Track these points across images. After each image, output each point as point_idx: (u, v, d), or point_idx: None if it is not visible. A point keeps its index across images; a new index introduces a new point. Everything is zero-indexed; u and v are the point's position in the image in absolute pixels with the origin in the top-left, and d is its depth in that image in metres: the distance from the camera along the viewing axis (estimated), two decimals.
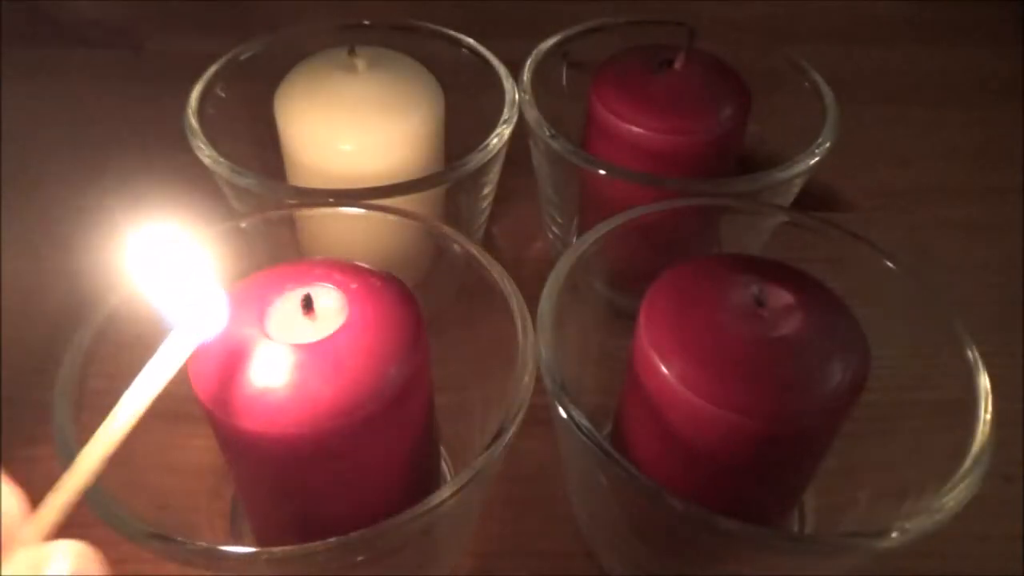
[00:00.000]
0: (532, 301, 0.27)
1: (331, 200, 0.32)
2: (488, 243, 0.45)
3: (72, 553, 0.15)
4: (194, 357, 0.23)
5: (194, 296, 0.21)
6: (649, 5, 0.44)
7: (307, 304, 0.24)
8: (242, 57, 0.40)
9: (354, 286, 0.25)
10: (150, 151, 0.49)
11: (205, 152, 0.34)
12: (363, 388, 0.22)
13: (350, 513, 0.24)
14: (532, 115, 0.38)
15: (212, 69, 0.39)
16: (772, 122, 0.40)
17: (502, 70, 0.40)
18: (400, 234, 0.32)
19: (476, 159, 0.35)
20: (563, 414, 0.25)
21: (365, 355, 0.23)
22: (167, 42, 0.60)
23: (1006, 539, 0.33)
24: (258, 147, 0.38)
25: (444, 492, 0.22)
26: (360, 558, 0.22)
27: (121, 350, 0.26)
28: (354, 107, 0.36)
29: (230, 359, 0.23)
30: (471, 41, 0.42)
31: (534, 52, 0.41)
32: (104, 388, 0.25)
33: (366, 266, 0.26)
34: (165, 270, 0.20)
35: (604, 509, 0.30)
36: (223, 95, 0.38)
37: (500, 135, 0.36)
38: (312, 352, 0.22)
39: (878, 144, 0.53)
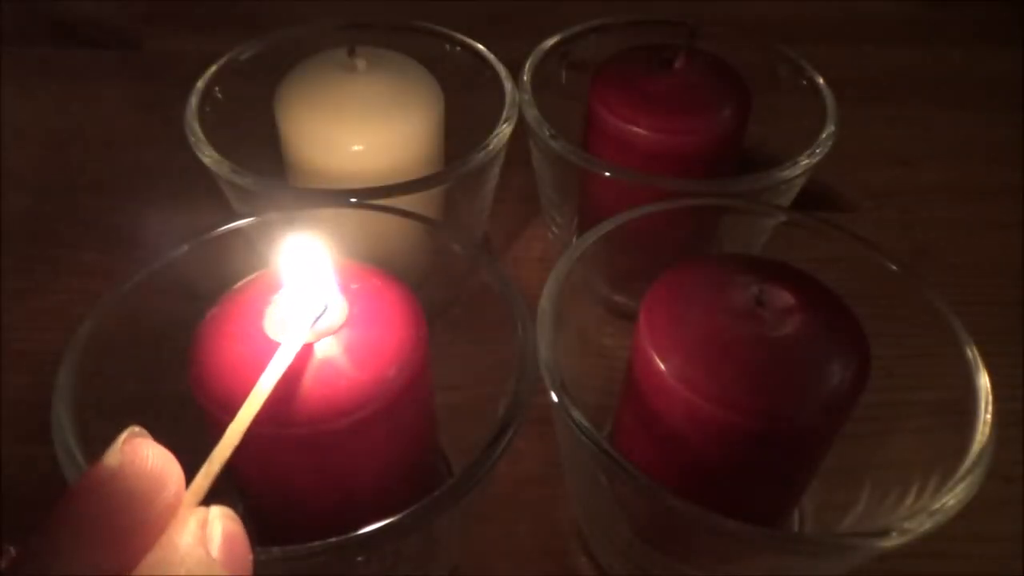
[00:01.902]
0: (532, 301, 0.27)
1: (331, 200, 0.32)
2: (488, 243, 0.45)
3: (224, 515, 0.17)
4: (194, 358, 0.23)
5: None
6: (649, 5, 0.44)
7: (307, 304, 0.24)
8: (242, 57, 0.40)
9: (354, 286, 0.25)
10: (150, 151, 0.49)
11: (205, 152, 0.34)
12: (363, 388, 0.22)
13: (350, 513, 0.24)
14: (532, 115, 0.37)
15: (212, 69, 0.39)
16: (772, 122, 0.40)
17: (502, 70, 0.40)
18: (400, 234, 0.32)
19: (476, 159, 0.35)
20: (563, 414, 0.25)
21: (365, 355, 0.23)
22: (167, 42, 0.60)
23: (1006, 539, 0.33)
24: (258, 147, 0.38)
25: (444, 492, 0.22)
26: (360, 558, 0.22)
27: (121, 350, 0.26)
28: (354, 107, 0.36)
29: (230, 359, 0.23)
30: (471, 41, 0.42)
31: (534, 52, 0.41)
32: (104, 388, 0.25)
33: (366, 266, 0.26)
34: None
35: (604, 509, 0.30)
36: (223, 95, 0.38)
37: (500, 135, 0.36)
38: (312, 352, 0.22)
39: (878, 144, 0.53)
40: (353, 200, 0.32)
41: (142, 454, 0.17)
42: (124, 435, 0.17)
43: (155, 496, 0.17)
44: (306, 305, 0.23)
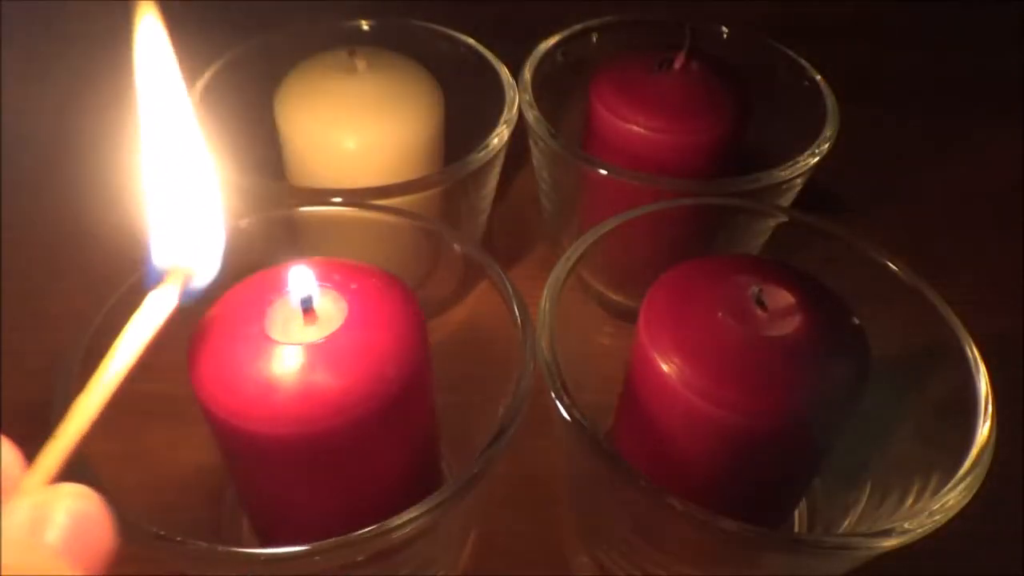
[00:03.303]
0: (532, 301, 0.27)
1: (331, 200, 0.32)
2: (488, 243, 0.45)
3: (73, 494, 0.15)
4: (194, 357, 0.23)
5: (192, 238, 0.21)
6: (649, 5, 0.44)
7: (307, 304, 0.24)
8: (242, 57, 0.40)
9: (354, 286, 0.25)
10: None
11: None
12: (363, 388, 0.22)
13: (350, 513, 0.24)
14: (532, 115, 0.38)
15: (212, 69, 0.39)
16: (772, 122, 0.40)
17: (502, 70, 0.40)
18: (400, 234, 0.32)
19: (476, 159, 0.35)
20: (563, 413, 0.25)
21: (365, 355, 0.23)
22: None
23: (1006, 539, 0.33)
24: (258, 147, 0.38)
25: (444, 492, 0.22)
26: (360, 558, 0.22)
27: None
28: (354, 107, 0.36)
29: (230, 359, 0.23)
30: (471, 41, 0.42)
31: (534, 52, 0.41)
32: None
33: (366, 266, 0.26)
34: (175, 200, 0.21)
35: (604, 509, 0.30)
36: (223, 95, 0.38)
37: (500, 135, 0.36)
38: (312, 352, 0.22)
39: (878, 144, 0.53)
40: (353, 200, 0.32)
41: None
42: None
43: None
44: (295, 299, 0.23)
